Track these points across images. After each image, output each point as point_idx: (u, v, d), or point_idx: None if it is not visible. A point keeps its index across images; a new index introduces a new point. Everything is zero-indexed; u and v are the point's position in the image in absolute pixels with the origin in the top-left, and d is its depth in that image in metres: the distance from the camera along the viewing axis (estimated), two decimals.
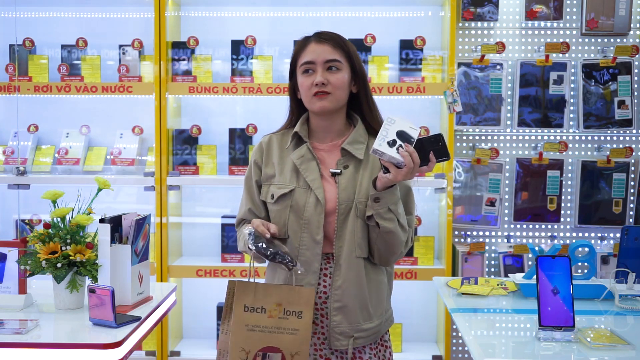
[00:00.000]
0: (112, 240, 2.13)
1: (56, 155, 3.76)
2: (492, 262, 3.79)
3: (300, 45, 2.03)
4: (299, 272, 1.87)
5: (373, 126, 2.06)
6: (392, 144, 1.82)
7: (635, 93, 3.68)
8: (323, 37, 2.01)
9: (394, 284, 2.14)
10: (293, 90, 2.08)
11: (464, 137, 3.78)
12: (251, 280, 1.88)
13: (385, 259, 1.99)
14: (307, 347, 1.81)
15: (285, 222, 1.99)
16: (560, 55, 3.66)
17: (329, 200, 1.97)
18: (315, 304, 1.97)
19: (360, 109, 2.07)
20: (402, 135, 1.83)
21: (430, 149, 1.84)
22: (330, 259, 1.99)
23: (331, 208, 1.97)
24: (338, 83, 1.98)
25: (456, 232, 3.78)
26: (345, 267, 1.95)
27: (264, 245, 1.83)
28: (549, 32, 3.75)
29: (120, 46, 3.75)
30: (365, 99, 2.06)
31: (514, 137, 3.78)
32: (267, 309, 1.80)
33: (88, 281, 2.18)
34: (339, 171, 1.99)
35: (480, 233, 3.81)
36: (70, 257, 2.11)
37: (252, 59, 3.67)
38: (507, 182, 3.73)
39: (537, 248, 2.43)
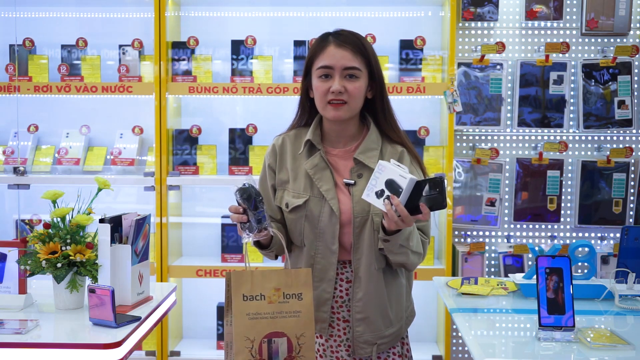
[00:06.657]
0: (112, 240, 2.13)
1: (56, 155, 3.76)
2: (492, 262, 3.79)
3: (319, 46, 1.94)
4: (272, 233, 1.81)
5: (388, 134, 2.00)
6: (379, 194, 1.72)
7: (635, 93, 3.68)
8: (343, 40, 1.92)
9: None
10: (306, 89, 2.01)
11: (464, 137, 3.77)
12: (248, 266, 1.82)
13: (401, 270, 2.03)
14: (312, 328, 1.77)
15: (300, 231, 1.98)
16: (560, 55, 3.65)
17: (343, 211, 1.94)
18: (332, 307, 1.98)
19: (375, 116, 2.01)
20: (391, 185, 1.72)
21: (426, 196, 1.72)
22: (347, 264, 1.98)
23: (346, 219, 1.94)
24: (355, 92, 1.91)
25: (456, 232, 3.78)
26: (365, 279, 1.94)
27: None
28: (549, 32, 3.74)
29: (120, 46, 3.74)
30: (381, 107, 1.99)
31: (514, 137, 3.78)
32: (266, 295, 1.75)
33: (88, 281, 2.18)
34: (352, 182, 1.95)
35: (480, 233, 3.81)
36: (70, 257, 2.11)
37: (252, 59, 3.67)
38: (507, 182, 3.73)
39: (537, 248, 2.43)
